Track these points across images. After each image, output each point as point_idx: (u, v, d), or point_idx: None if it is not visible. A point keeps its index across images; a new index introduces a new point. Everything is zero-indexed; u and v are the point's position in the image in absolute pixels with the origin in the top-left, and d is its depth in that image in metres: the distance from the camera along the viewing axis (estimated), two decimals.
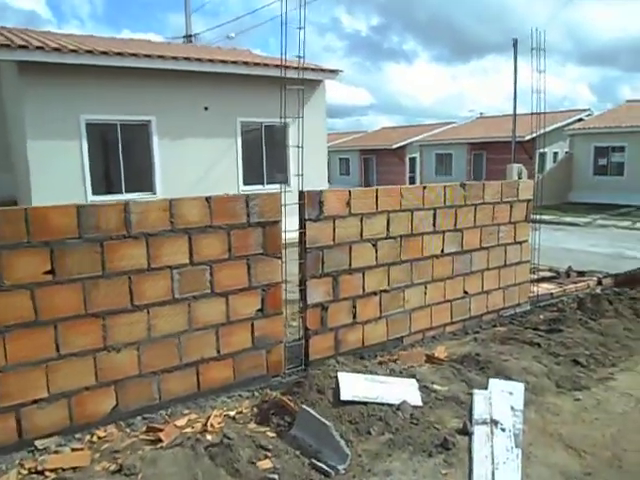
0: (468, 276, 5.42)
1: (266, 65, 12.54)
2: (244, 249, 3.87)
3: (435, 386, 3.83)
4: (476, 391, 3.71)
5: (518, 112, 23.36)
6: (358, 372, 3.77)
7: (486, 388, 3.77)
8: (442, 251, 5.14)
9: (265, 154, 13.27)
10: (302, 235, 4.20)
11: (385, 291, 4.76)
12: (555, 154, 26.54)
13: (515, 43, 22.84)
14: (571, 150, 24.93)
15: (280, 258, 4.05)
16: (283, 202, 4.04)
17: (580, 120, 25.70)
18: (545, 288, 6.69)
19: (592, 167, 23.11)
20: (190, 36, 22.48)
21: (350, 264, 4.50)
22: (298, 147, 4.36)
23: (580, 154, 24.13)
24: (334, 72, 13.97)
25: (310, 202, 4.18)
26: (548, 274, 7.81)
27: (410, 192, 4.85)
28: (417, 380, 3.84)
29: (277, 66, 11.08)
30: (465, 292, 5.42)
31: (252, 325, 3.97)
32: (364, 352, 4.65)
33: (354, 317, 4.59)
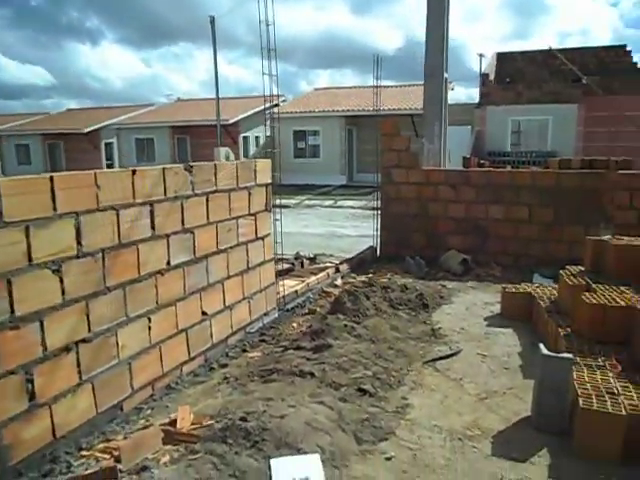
0: (206, 291, 3.97)
1: None
2: None
3: None
4: None
5: (216, 96, 22.75)
6: None
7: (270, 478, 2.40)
8: (168, 263, 3.56)
9: None
10: None
11: (85, 341, 2.95)
12: (257, 138, 27.07)
13: (212, 25, 22.05)
14: (271, 134, 25.63)
15: None
16: None
17: (277, 105, 26.62)
18: (288, 285, 5.72)
19: (293, 150, 24.16)
20: None
21: (12, 310, 2.54)
22: None
23: (282, 138, 25.02)
24: None
25: None
26: (282, 266, 6.95)
27: (112, 180, 3.10)
28: None
29: None
30: (204, 313, 3.97)
31: None
32: (59, 447, 2.78)
33: (32, 399, 2.66)
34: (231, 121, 24.30)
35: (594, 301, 3.54)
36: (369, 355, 3.80)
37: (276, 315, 5.02)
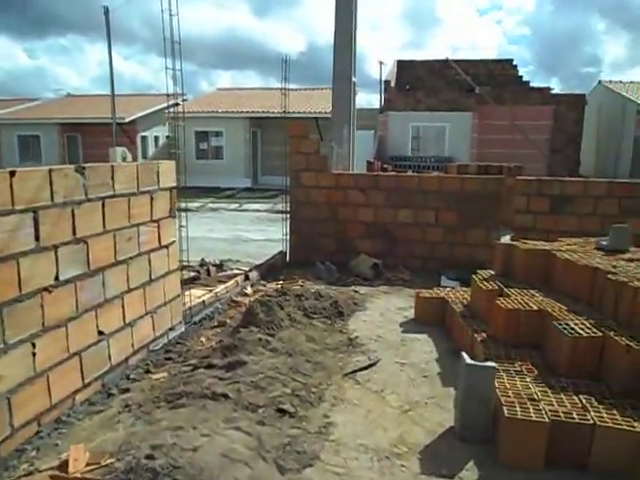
0: (103, 308, 3.53)
1: None
2: None
3: None
4: None
5: (112, 92, 21.42)
6: None
7: None
8: (57, 278, 3.10)
9: None
10: None
11: None
12: (156, 138, 25.87)
13: (107, 16, 20.71)
14: (172, 134, 24.56)
15: None
16: None
17: (177, 105, 25.59)
18: (194, 296, 5.34)
19: (195, 151, 23.30)
20: None
21: None
22: None
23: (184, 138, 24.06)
24: None
25: None
26: (188, 274, 6.53)
27: None
28: None
29: None
30: (101, 332, 3.52)
31: None
32: None
33: None
34: (128, 119, 22.97)
35: (509, 306, 3.58)
36: (286, 370, 3.57)
37: (183, 329, 4.64)
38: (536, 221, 6.92)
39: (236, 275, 6.57)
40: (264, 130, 24.17)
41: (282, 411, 3.08)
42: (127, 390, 3.51)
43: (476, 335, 3.76)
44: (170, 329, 4.44)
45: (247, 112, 23.12)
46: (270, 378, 3.43)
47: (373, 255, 7.05)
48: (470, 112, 18.83)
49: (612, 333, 3.14)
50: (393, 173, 8.36)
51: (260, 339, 3.95)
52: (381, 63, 24.83)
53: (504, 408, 2.73)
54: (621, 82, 21.07)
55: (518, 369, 3.25)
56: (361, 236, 7.36)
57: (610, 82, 20.97)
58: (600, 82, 21.27)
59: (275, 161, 21.28)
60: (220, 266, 7.78)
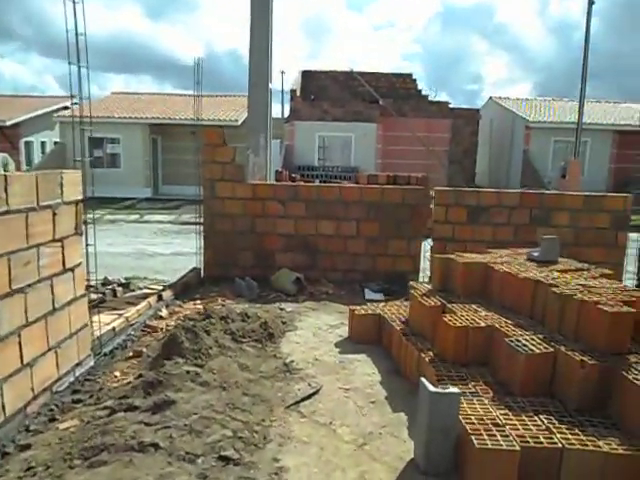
0: None
1: None
2: None
3: None
4: None
5: None
6: None
7: None
8: None
9: None
10: None
11: None
12: (43, 143, 23.80)
13: None
14: (62, 139, 22.72)
15: None
16: None
17: (66, 108, 23.75)
18: (103, 322, 4.72)
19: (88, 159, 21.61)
20: None
21: None
22: None
23: (76, 145, 22.32)
24: None
25: None
26: (92, 297, 5.82)
27: None
28: None
29: None
30: None
31: None
32: None
33: None
34: (9, 123, 20.88)
35: (458, 324, 3.43)
36: (223, 407, 3.15)
37: (92, 363, 4.04)
38: (455, 231, 7.01)
39: (147, 295, 5.97)
40: (165, 137, 23.07)
41: (225, 459, 2.68)
42: (28, 446, 2.91)
43: (423, 355, 3.59)
44: (77, 364, 3.83)
45: (146, 118, 21.91)
46: (206, 419, 3.00)
47: (294, 269, 6.76)
48: (374, 123, 19.24)
49: (563, 348, 3.09)
50: (316, 183, 8.12)
51: (188, 372, 3.50)
52: (283, 73, 24.80)
53: (472, 438, 2.54)
54: (509, 98, 22.66)
55: (473, 390, 3.10)
56: (281, 249, 7.04)
57: (500, 98, 22.46)
58: (491, 98, 22.72)
59: (178, 169, 20.33)
60: (127, 285, 7.10)
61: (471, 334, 3.40)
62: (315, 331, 4.86)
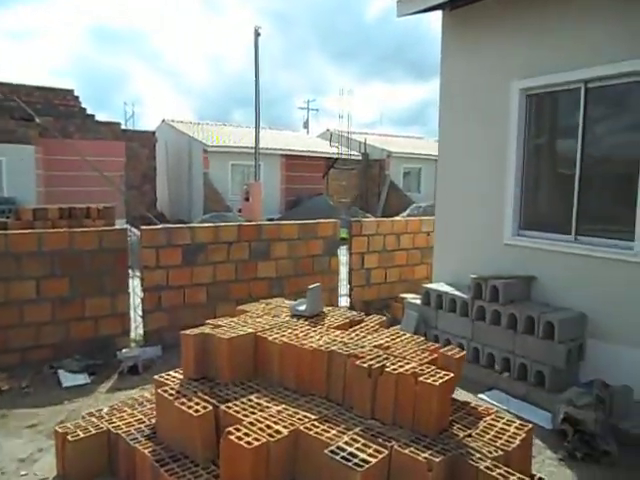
0: None
1: None
2: None
3: None
4: None
5: None
6: None
7: None
8: None
9: None
10: None
11: None
12: None
13: None
14: None
15: None
16: None
17: None
18: None
19: None
20: None
21: None
22: None
23: None
24: None
25: None
26: None
27: None
28: None
29: None
30: None
31: None
32: None
33: None
34: None
35: (252, 439, 2.33)
36: None
37: None
38: (169, 276, 5.81)
39: None
40: None
41: None
42: None
43: None
44: None
45: None
46: None
47: None
48: (32, 145, 16.03)
49: (396, 445, 2.35)
50: None
51: None
52: None
53: None
54: (182, 122, 22.21)
55: None
56: None
57: (173, 121, 21.78)
58: (164, 121, 21.83)
59: None
60: None
61: (273, 451, 2.36)
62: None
